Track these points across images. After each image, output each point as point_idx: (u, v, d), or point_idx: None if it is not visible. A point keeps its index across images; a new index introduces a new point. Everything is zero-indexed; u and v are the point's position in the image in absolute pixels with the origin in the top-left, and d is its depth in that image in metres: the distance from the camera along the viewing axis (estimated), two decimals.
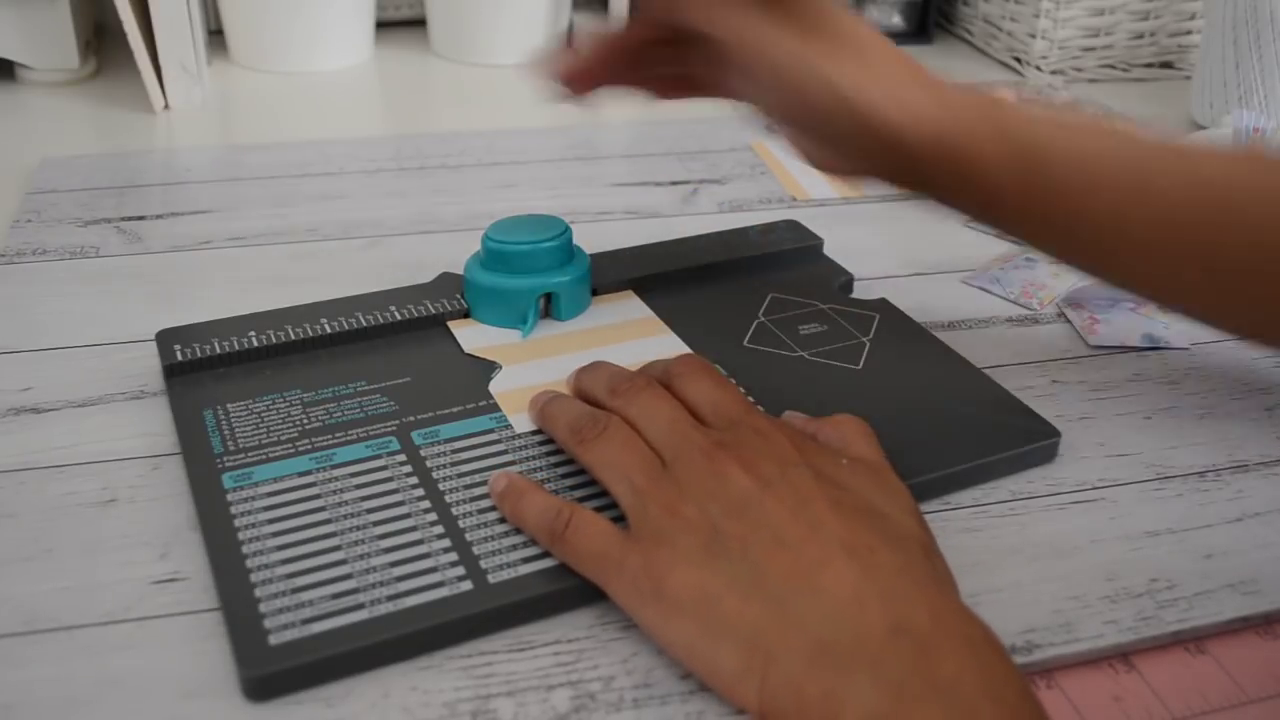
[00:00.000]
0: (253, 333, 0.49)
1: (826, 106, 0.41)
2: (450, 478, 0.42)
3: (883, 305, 0.54)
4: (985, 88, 0.43)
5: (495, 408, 0.46)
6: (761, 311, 0.53)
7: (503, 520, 0.40)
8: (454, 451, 0.43)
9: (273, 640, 0.35)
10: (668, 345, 0.50)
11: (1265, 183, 0.41)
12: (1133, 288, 0.46)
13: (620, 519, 0.38)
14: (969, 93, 0.42)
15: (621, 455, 0.39)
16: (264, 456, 0.42)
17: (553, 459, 0.43)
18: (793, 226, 0.60)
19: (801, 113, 0.42)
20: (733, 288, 0.55)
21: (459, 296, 0.52)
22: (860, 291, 0.57)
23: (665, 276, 0.55)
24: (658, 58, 0.46)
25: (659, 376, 0.44)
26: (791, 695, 0.32)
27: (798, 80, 0.41)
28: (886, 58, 0.42)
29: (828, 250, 0.59)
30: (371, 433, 0.44)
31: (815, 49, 0.41)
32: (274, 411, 0.45)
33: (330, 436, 0.44)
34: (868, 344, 0.51)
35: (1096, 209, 0.42)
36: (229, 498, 0.40)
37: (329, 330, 0.49)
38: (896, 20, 1.02)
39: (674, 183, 0.70)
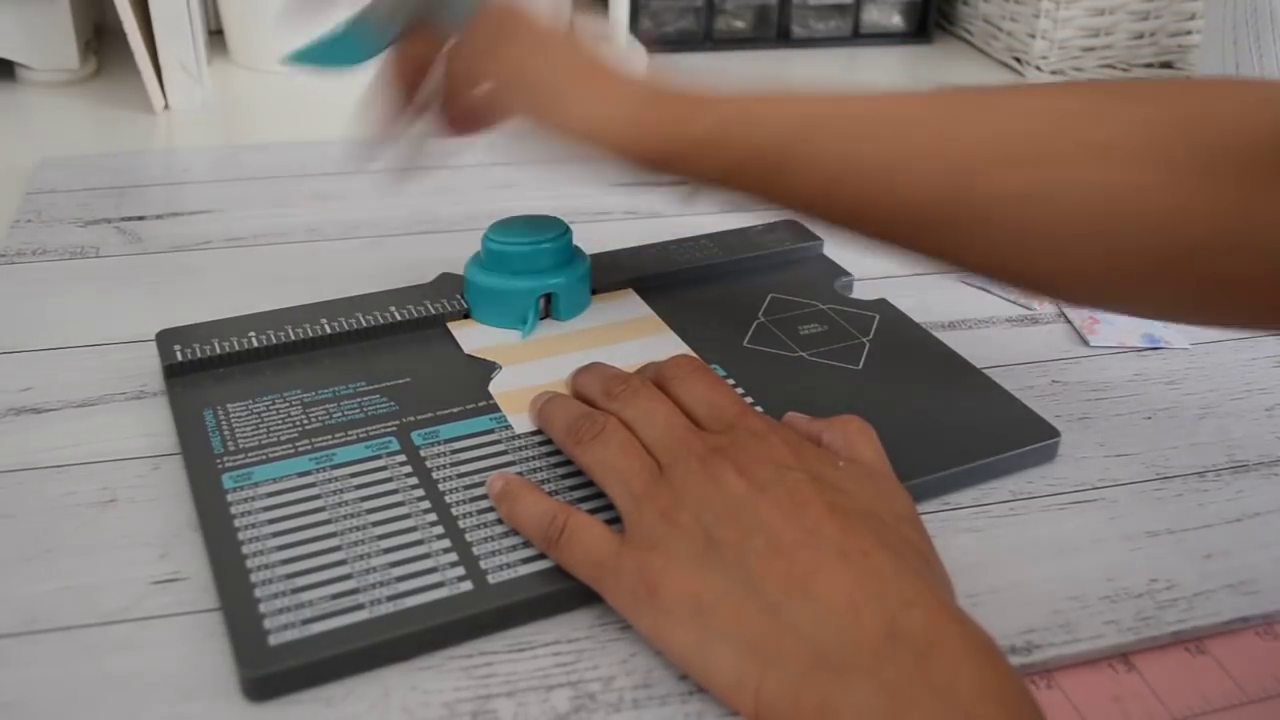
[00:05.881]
0: (253, 333, 0.49)
1: (570, 136, 0.45)
2: (450, 478, 0.42)
3: (883, 305, 0.54)
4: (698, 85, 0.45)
5: (495, 408, 0.46)
6: (761, 311, 0.53)
7: (502, 521, 0.40)
8: (454, 452, 0.43)
9: (272, 640, 0.35)
10: (668, 345, 0.50)
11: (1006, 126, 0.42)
12: (899, 251, 0.46)
13: (617, 519, 0.38)
14: (690, 95, 0.44)
15: (618, 459, 0.39)
16: (264, 457, 0.42)
17: (552, 459, 0.43)
18: (793, 226, 0.60)
19: (556, 138, 0.46)
20: (733, 288, 0.55)
21: (459, 297, 0.52)
22: (860, 291, 0.57)
23: (665, 276, 0.55)
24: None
25: (653, 377, 0.44)
26: (788, 703, 0.32)
27: (547, 116, 0.45)
28: (610, 83, 0.45)
29: (828, 250, 0.59)
30: (371, 433, 0.44)
31: (560, 81, 0.45)
32: (274, 412, 0.45)
33: (330, 437, 0.44)
34: (868, 344, 0.51)
35: (839, 194, 0.43)
36: (229, 498, 0.40)
37: (329, 330, 0.49)
38: (896, 20, 1.02)
39: (674, 183, 0.70)
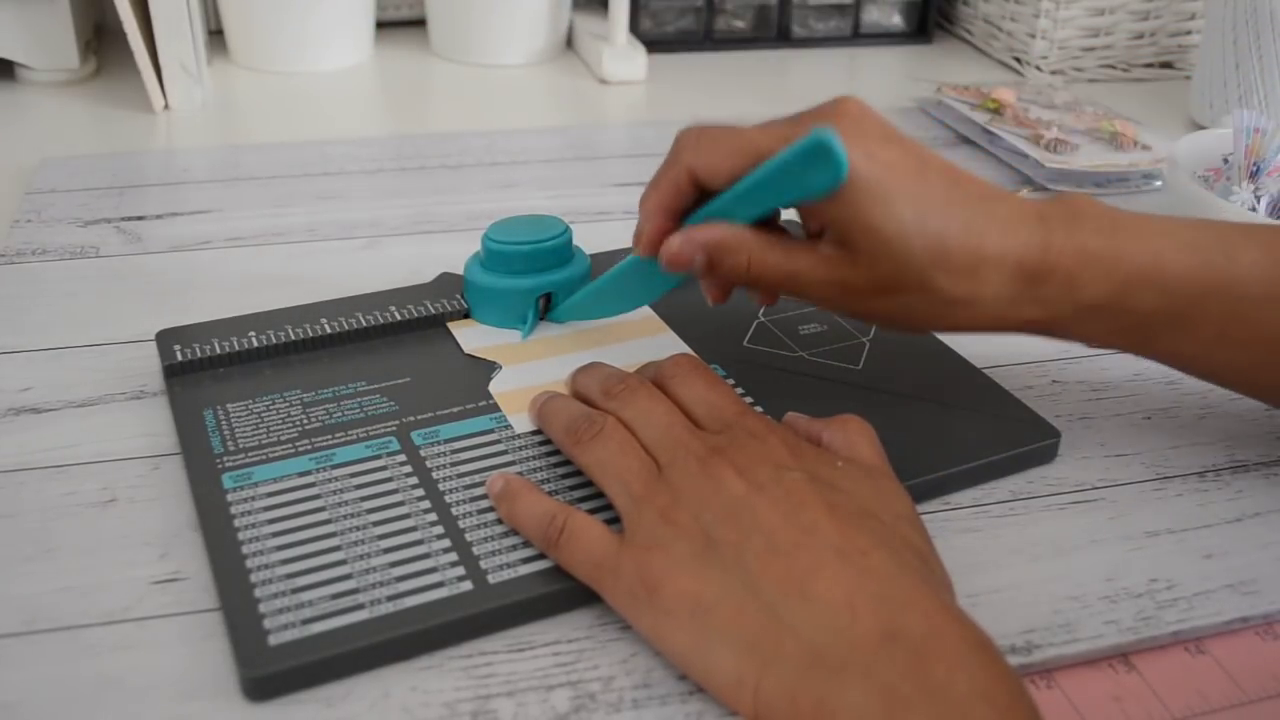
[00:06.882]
0: (253, 333, 0.49)
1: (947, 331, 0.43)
2: (450, 478, 0.42)
3: None
4: (1047, 216, 0.41)
5: (495, 408, 0.46)
6: (761, 311, 0.53)
7: (502, 520, 0.40)
8: (454, 452, 0.43)
9: (273, 640, 0.35)
10: (668, 345, 0.50)
11: None
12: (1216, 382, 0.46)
13: (617, 519, 0.38)
14: (1030, 259, 0.41)
15: (617, 458, 0.39)
16: (264, 456, 0.42)
17: (552, 459, 0.43)
18: (793, 226, 0.60)
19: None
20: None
21: (459, 297, 0.52)
22: None
23: None
24: None
25: (652, 377, 0.44)
26: (785, 703, 0.32)
27: (897, 328, 0.44)
28: (980, 260, 0.40)
29: None
30: (371, 433, 0.44)
31: (902, 306, 0.41)
32: (274, 411, 0.45)
33: (330, 437, 0.44)
34: (868, 344, 0.51)
35: (1180, 346, 0.43)
36: (229, 498, 0.40)
37: (329, 330, 0.49)
38: (896, 20, 1.02)
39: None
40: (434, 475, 0.42)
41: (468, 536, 0.39)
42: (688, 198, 0.42)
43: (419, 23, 0.99)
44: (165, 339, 0.49)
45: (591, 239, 0.55)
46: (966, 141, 0.79)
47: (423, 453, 0.43)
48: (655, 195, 0.43)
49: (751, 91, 0.90)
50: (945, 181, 0.40)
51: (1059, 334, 0.43)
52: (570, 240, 0.52)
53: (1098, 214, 0.42)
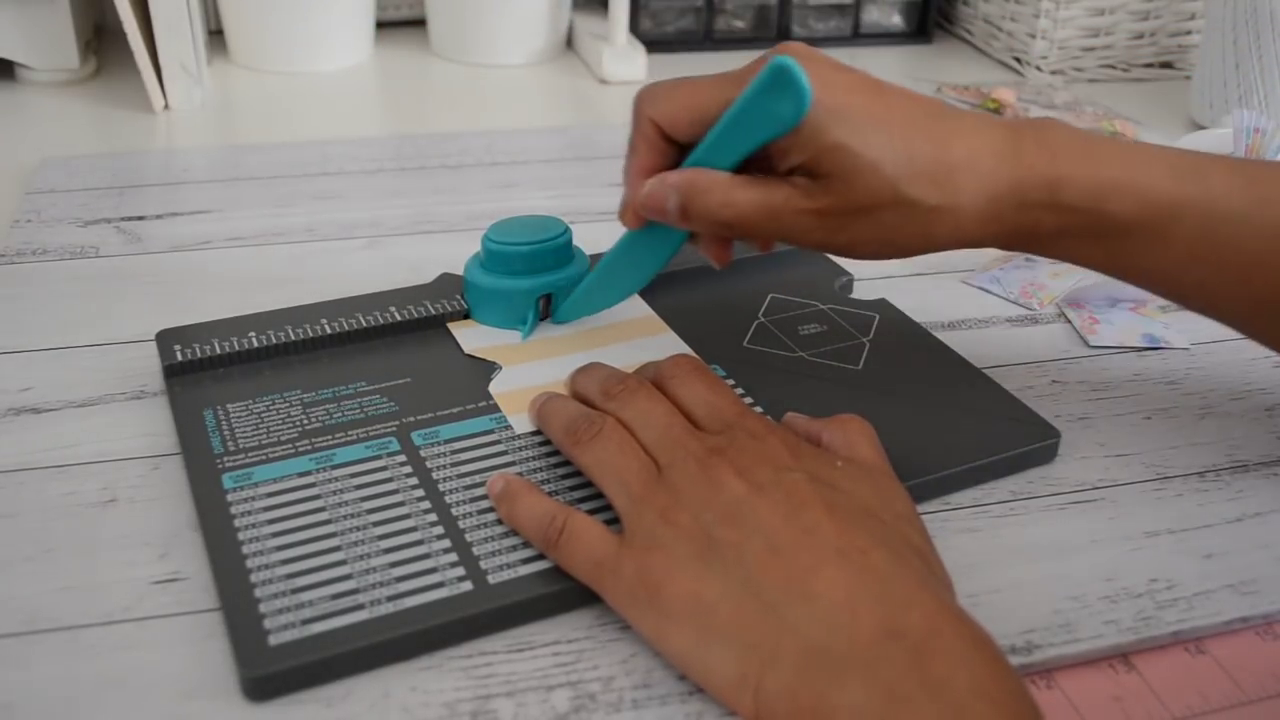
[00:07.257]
0: (253, 333, 0.49)
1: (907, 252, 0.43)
2: (450, 478, 0.42)
3: (883, 305, 0.54)
4: (1019, 136, 0.42)
5: (495, 408, 0.46)
6: (761, 311, 0.53)
7: (502, 521, 0.40)
8: (454, 452, 0.43)
9: (273, 640, 0.35)
10: (668, 345, 0.50)
11: None
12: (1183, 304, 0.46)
13: (617, 520, 0.38)
14: (1003, 164, 0.41)
15: (616, 459, 0.39)
16: (264, 457, 0.42)
17: (552, 460, 0.43)
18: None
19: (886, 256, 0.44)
20: (733, 288, 0.55)
21: (459, 297, 0.52)
22: (860, 291, 0.57)
23: (665, 276, 0.55)
24: None
25: (652, 377, 0.44)
26: (786, 701, 0.32)
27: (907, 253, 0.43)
28: (953, 172, 0.41)
29: None
30: (371, 433, 0.44)
31: (874, 230, 0.42)
32: (274, 412, 0.45)
33: (330, 437, 0.44)
34: (868, 344, 0.51)
35: (1153, 260, 0.43)
36: (229, 498, 0.40)
37: (329, 331, 0.49)
38: (896, 20, 1.02)
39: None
40: (434, 475, 0.42)
41: (468, 537, 0.39)
42: (662, 156, 0.43)
43: (419, 23, 0.99)
44: (165, 339, 0.49)
45: (591, 239, 0.55)
46: None
47: (423, 453, 0.43)
48: (632, 160, 0.44)
49: None
50: (905, 100, 0.42)
51: (1037, 247, 0.43)
52: (570, 241, 0.52)
53: (1070, 130, 0.43)
